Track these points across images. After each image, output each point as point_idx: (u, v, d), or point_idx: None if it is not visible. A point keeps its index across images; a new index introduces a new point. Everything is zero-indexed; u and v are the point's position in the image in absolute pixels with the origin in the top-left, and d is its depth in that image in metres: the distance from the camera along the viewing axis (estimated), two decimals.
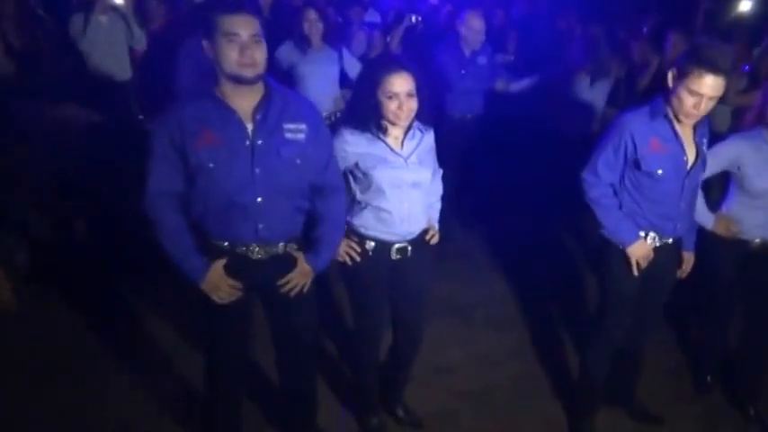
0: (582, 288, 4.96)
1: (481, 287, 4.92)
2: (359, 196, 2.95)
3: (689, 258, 3.33)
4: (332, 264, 2.92)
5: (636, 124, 2.95)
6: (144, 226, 2.60)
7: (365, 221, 2.96)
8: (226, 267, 2.64)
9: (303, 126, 2.61)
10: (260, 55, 2.44)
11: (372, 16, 7.49)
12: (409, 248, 3.02)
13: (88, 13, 5.62)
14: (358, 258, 2.98)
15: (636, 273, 3.10)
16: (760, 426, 3.67)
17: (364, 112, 2.83)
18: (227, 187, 2.52)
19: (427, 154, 3.00)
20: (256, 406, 3.49)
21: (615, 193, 3.11)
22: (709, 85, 2.74)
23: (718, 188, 3.62)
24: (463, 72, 5.33)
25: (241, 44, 2.39)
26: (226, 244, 2.64)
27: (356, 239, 2.98)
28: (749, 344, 3.67)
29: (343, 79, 5.08)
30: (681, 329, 4.39)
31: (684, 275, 3.35)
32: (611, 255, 3.14)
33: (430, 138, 3.02)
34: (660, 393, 3.81)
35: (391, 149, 2.87)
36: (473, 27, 5.35)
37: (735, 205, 3.44)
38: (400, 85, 2.75)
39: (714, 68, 2.71)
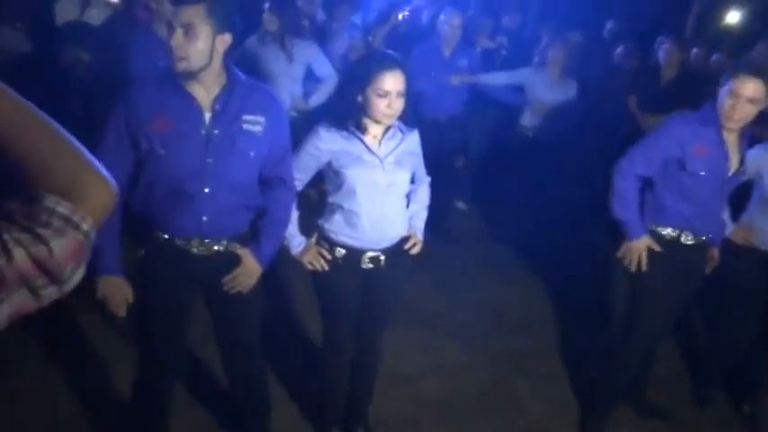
0: (557, 295, 4.90)
1: (448, 295, 4.81)
2: (330, 198, 2.85)
3: (714, 254, 3.38)
4: (300, 269, 2.84)
5: (684, 128, 3.09)
6: None
7: (335, 226, 2.84)
8: (161, 262, 2.57)
9: (262, 119, 2.53)
10: (190, 48, 2.33)
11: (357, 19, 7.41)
12: (382, 258, 2.89)
13: (85, 5, 5.49)
14: (326, 267, 2.86)
15: (630, 267, 3.21)
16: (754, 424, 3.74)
17: (346, 108, 2.73)
18: (176, 175, 2.44)
19: (407, 156, 2.88)
20: (209, 410, 3.39)
21: (639, 190, 3.21)
22: (747, 87, 2.90)
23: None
24: (433, 74, 5.31)
25: (175, 35, 2.32)
26: (166, 236, 2.55)
27: (326, 246, 2.87)
28: (755, 349, 3.68)
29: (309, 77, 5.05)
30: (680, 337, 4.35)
31: (709, 270, 3.39)
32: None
33: (413, 140, 2.90)
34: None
35: (368, 148, 2.75)
36: (451, 23, 5.37)
37: (754, 214, 3.50)
38: (393, 83, 2.64)
39: (754, 72, 2.90)
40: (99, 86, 3.57)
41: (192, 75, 2.39)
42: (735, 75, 2.92)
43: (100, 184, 1.03)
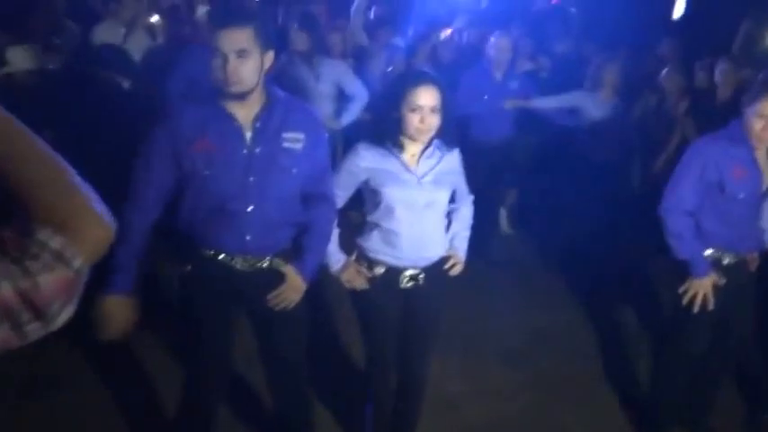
0: (604, 322, 4.79)
1: (491, 319, 4.72)
2: (368, 216, 2.85)
3: (754, 258, 3.34)
4: (340, 289, 2.82)
5: (716, 150, 3.09)
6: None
7: (374, 244, 2.84)
8: (206, 278, 2.58)
9: (302, 136, 2.56)
10: (245, 71, 2.37)
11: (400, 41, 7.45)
12: (421, 276, 2.87)
13: (130, 28, 5.62)
14: (365, 285, 2.85)
15: (695, 309, 3.14)
16: None
17: (384, 125, 2.76)
18: (219, 194, 2.48)
19: (446, 175, 2.86)
20: (251, 430, 3.38)
21: (694, 224, 3.16)
22: None
23: None
24: (486, 97, 5.33)
25: (224, 61, 2.34)
26: (211, 252, 2.57)
27: (365, 264, 2.86)
28: None
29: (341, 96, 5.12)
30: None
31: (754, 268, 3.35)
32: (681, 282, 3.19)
33: (452, 159, 2.89)
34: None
35: (405, 167, 2.76)
36: (501, 48, 5.41)
37: None
38: (425, 98, 2.65)
39: None
40: (138, 112, 3.60)
41: (243, 96, 2.42)
42: (760, 95, 2.94)
43: (96, 220, 1.02)
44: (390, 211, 2.76)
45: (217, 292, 2.62)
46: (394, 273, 2.84)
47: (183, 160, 2.45)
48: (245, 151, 2.47)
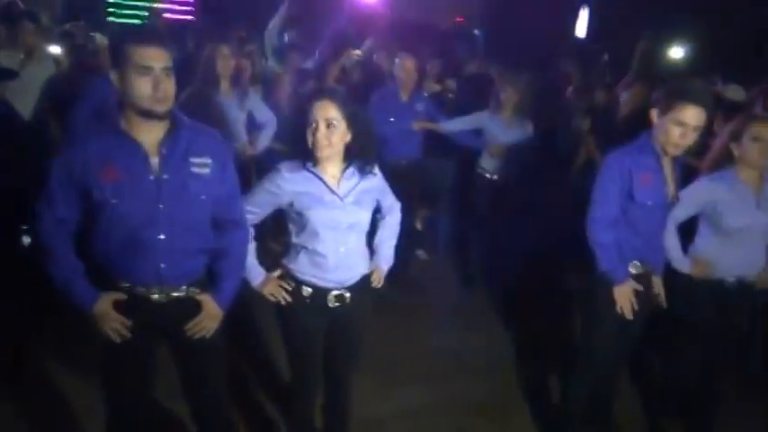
0: (520, 339, 4.89)
1: (407, 340, 4.74)
2: (294, 239, 2.86)
3: (659, 282, 3.43)
4: (266, 314, 2.81)
5: (627, 159, 3.18)
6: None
7: (300, 266, 2.84)
8: (123, 309, 2.51)
9: (209, 160, 2.54)
10: (171, 89, 2.39)
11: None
12: (347, 296, 2.88)
13: (26, 59, 5.36)
14: (288, 298, 2.85)
15: (625, 315, 3.23)
16: None
17: (297, 146, 2.76)
18: (129, 224, 2.43)
19: (367, 194, 2.88)
20: None
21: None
22: (693, 116, 3.01)
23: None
24: (392, 119, 5.34)
25: (154, 78, 2.32)
26: (125, 285, 2.52)
27: (292, 285, 2.86)
28: (710, 378, 3.70)
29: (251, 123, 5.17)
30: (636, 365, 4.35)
31: (664, 303, 3.43)
32: (601, 293, 3.27)
33: (372, 178, 2.90)
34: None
35: (328, 189, 2.76)
36: (406, 69, 5.46)
37: (709, 246, 3.49)
38: (320, 112, 2.67)
39: (697, 101, 3.00)
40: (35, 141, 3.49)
41: (165, 115, 2.40)
42: (679, 104, 3.02)
43: None
44: (315, 234, 2.77)
45: (134, 325, 2.54)
46: (321, 293, 2.85)
47: (91, 190, 2.39)
48: (152, 178, 2.42)
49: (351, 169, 2.82)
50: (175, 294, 2.57)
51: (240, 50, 6.13)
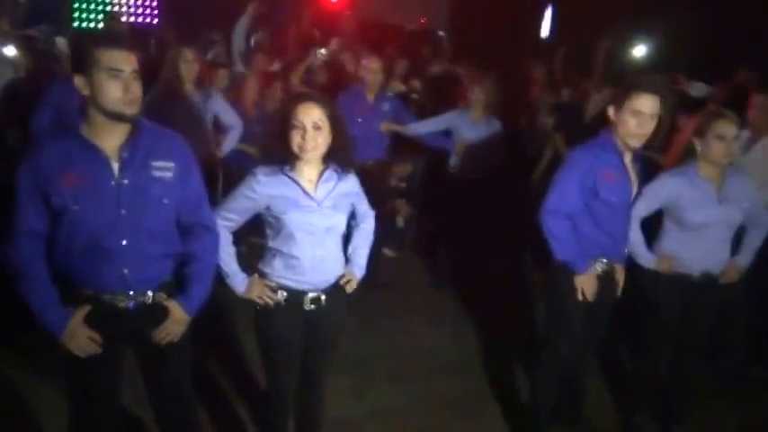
0: (487, 334, 4.90)
1: (377, 340, 4.75)
2: (270, 243, 2.85)
3: (621, 271, 3.47)
4: (243, 318, 2.78)
5: (590, 156, 3.21)
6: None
7: (276, 270, 2.83)
8: (89, 318, 2.46)
9: (171, 164, 2.50)
10: (140, 91, 2.38)
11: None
12: (323, 298, 2.87)
13: None
14: (276, 298, 2.83)
15: (581, 298, 3.29)
16: None
17: (275, 150, 2.75)
18: (91, 230, 2.39)
19: (343, 198, 2.87)
20: None
21: (573, 226, 3.28)
22: (646, 104, 3.08)
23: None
24: (360, 120, 5.32)
25: (124, 80, 2.31)
26: (90, 292, 2.47)
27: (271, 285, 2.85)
28: (678, 372, 3.76)
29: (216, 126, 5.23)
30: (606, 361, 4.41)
31: (619, 291, 3.48)
32: (561, 282, 3.33)
33: (349, 182, 2.90)
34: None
35: (304, 192, 2.75)
36: (371, 69, 5.46)
37: (673, 241, 3.54)
38: (306, 114, 2.67)
39: (649, 89, 3.09)
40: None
41: (131, 119, 2.38)
42: (633, 94, 3.08)
43: None
44: (291, 237, 2.76)
45: (101, 333, 2.49)
46: (297, 296, 2.84)
47: (51, 197, 2.35)
48: (113, 183, 2.39)
49: (328, 172, 2.81)
50: (141, 300, 2.52)
51: (205, 54, 6.12)
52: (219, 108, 5.17)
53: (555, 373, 3.51)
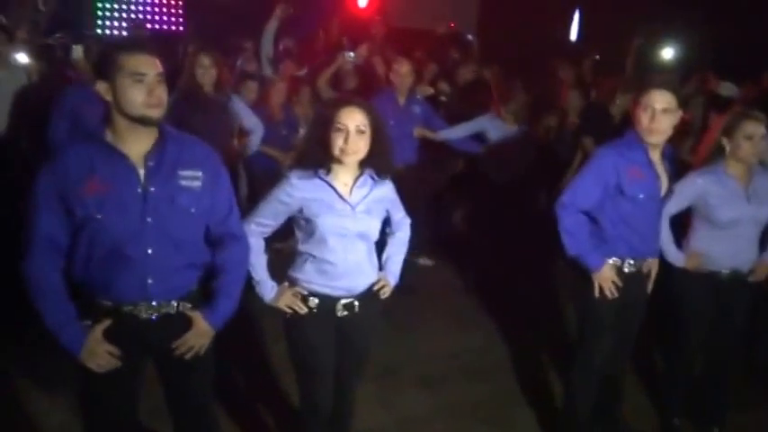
0: (510, 340, 4.87)
1: (405, 345, 4.71)
2: (301, 247, 2.81)
3: (655, 264, 3.45)
4: (274, 328, 2.71)
5: (615, 155, 3.22)
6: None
7: (307, 275, 2.79)
8: (108, 331, 2.40)
9: (199, 173, 2.46)
10: (164, 95, 2.35)
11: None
12: (356, 304, 2.84)
13: None
14: (305, 308, 2.79)
15: (610, 296, 3.26)
16: None
17: (313, 153, 2.72)
18: (113, 237, 2.33)
19: (378, 203, 2.84)
20: None
21: (587, 222, 3.30)
22: (656, 99, 3.09)
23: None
24: (392, 123, 5.25)
25: (148, 84, 2.28)
26: (110, 303, 2.41)
27: (299, 296, 2.81)
28: (713, 372, 3.77)
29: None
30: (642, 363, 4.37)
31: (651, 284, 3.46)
32: (589, 284, 3.30)
33: (384, 188, 2.87)
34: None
35: (339, 196, 2.73)
36: (401, 73, 5.50)
37: (702, 239, 3.56)
38: (350, 118, 2.65)
39: (657, 85, 3.13)
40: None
41: (156, 123, 2.35)
42: (644, 91, 3.14)
43: None
44: (323, 241, 2.73)
45: (121, 346, 2.43)
46: (329, 303, 2.80)
47: (73, 205, 2.30)
48: (139, 190, 2.34)
49: (363, 177, 2.79)
50: (165, 311, 2.47)
51: (234, 62, 6.15)
52: (239, 111, 5.16)
53: (592, 376, 3.47)
